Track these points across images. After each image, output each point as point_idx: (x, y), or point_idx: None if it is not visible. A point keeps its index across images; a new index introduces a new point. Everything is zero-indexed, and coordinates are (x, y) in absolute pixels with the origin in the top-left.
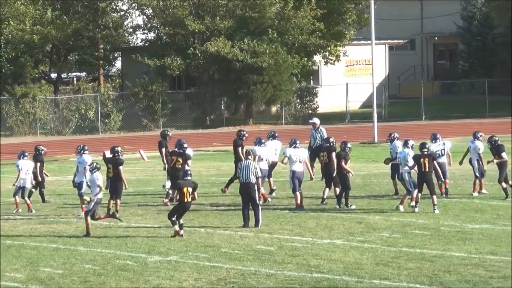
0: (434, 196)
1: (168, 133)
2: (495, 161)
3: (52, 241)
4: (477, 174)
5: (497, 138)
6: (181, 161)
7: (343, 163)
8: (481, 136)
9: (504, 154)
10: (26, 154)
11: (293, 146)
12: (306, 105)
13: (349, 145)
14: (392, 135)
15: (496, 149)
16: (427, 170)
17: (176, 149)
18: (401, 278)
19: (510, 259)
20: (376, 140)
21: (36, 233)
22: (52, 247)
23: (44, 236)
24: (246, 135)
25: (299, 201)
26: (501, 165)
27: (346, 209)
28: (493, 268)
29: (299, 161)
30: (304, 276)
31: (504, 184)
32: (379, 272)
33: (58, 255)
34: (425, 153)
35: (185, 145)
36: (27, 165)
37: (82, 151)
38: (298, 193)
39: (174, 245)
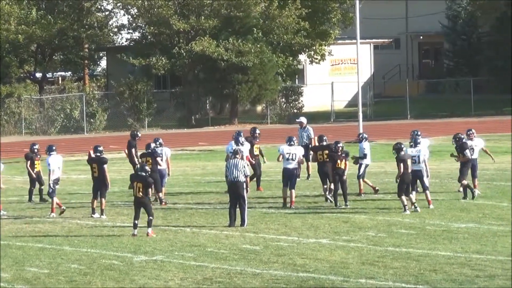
0: (414, 193)
1: (137, 133)
2: (457, 159)
3: (37, 241)
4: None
5: (462, 136)
6: (150, 161)
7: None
8: (471, 133)
9: (467, 152)
10: None
11: (288, 144)
12: (291, 105)
13: (340, 144)
14: (360, 135)
15: (460, 147)
16: (409, 170)
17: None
18: (387, 277)
19: (496, 258)
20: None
21: (21, 233)
22: (38, 247)
23: (30, 236)
24: (259, 132)
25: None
26: (464, 164)
27: (334, 208)
28: (479, 267)
29: (292, 159)
30: (290, 276)
31: (465, 182)
32: (365, 271)
33: (44, 255)
34: (405, 153)
35: (152, 145)
36: None
37: (49, 152)
38: (286, 189)
39: (160, 244)
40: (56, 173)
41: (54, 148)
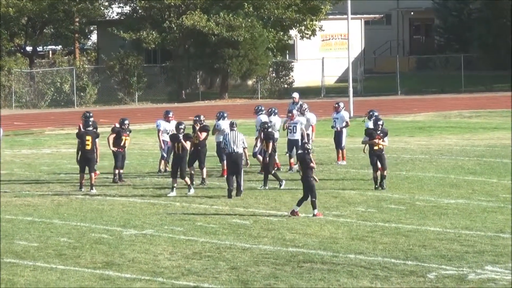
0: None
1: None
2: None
3: (27, 214)
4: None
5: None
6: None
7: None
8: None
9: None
10: None
11: (274, 114)
12: (282, 80)
13: (380, 122)
14: (370, 112)
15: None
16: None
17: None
18: (376, 253)
19: (485, 234)
20: (351, 115)
21: (11, 206)
22: (27, 220)
23: (19, 209)
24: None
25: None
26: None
27: (323, 183)
28: (468, 243)
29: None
30: (279, 250)
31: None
32: (354, 246)
33: (34, 228)
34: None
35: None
36: None
37: None
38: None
39: (150, 218)
40: None
41: None
